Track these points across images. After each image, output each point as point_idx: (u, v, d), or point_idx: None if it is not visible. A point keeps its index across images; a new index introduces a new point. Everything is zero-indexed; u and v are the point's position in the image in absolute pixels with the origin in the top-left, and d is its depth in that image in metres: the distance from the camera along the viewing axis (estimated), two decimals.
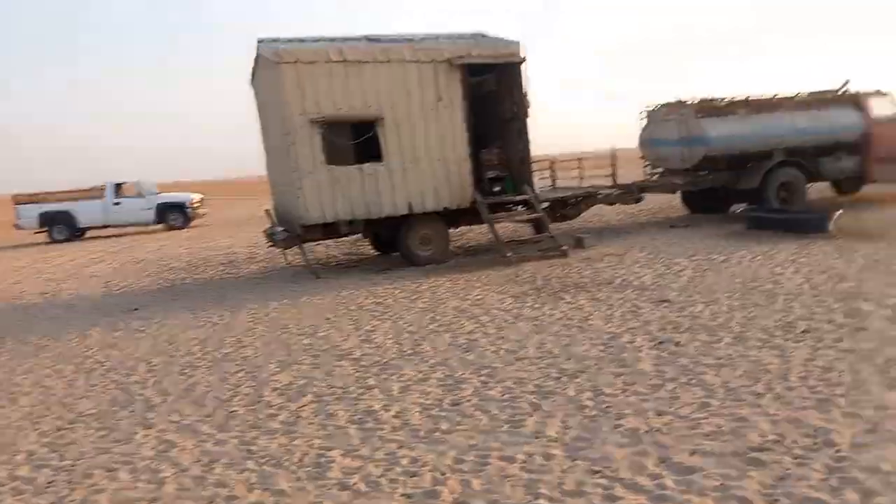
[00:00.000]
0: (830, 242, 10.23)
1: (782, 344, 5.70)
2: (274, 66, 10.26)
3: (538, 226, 12.34)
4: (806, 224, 11.39)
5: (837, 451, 3.76)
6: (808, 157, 13.82)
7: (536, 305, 7.89)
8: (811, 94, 14.45)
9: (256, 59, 11.61)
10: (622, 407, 4.71)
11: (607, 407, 4.74)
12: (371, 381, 5.69)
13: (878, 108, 14.25)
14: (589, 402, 4.84)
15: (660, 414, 4.53)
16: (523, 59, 11.49)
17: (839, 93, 14.48)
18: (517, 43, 11.47)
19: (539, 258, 11.11)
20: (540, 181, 13.44)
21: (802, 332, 5.98)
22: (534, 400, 4.98)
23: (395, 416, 4.89)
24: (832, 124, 13.92)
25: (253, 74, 12.49)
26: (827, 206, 13.20)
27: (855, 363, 5.09)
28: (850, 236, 10.61)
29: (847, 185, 15.64)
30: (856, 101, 14.25)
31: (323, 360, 6.41)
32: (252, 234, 18.58)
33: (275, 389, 5.70)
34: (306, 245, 11.40)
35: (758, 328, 6.24)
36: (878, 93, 14.46)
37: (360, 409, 5.10)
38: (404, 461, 4.16)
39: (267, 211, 12.70)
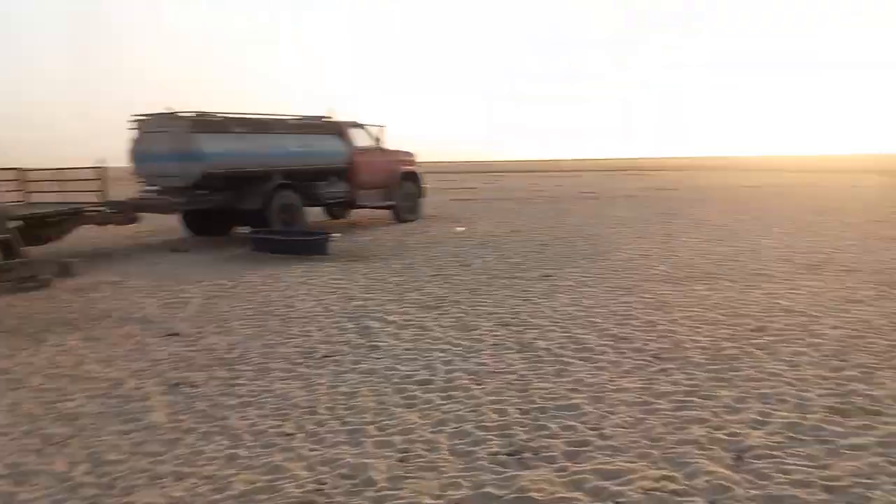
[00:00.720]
0: (333, 263, 10.78)
1: (306, 372, 5.48)
2: None
3: (6, 250, 9.97)
4: (308, 246, 11.85)
5: (378, 490, 3.57)
6: (305, 181, 14.50)
7: (9, 353, 6.13)
8: (301, 118, 15.22)
9: None
10: (132, 477, 3.77)
11: (113, 479, 3.74)
12: None
13: (358, 139, 15.91)
14: (87, 478, 3.76)
15: (180, 478, 3.75)
16: None
17: (323, 120, 15.58)
18: None
19: (10, 291, 8.91)
20: (5, 195, 10.95)
21: (323, 356, 5.88)
22: (5, 488, 3.64)
23: None
24: (321, 150, 14.94)
25: None
26: (324, 229, 14.06)
27: (376, 385, 5.15)
28: (347, 257, 11.39)
29: (338, 210, 17.02)
30: (339, 131, 15.57)
31: None
32: None
33: None
34: None
35: (279, 357, 5.92)
36: (355, 124, 16.10)
37: None
38: None
39: None
